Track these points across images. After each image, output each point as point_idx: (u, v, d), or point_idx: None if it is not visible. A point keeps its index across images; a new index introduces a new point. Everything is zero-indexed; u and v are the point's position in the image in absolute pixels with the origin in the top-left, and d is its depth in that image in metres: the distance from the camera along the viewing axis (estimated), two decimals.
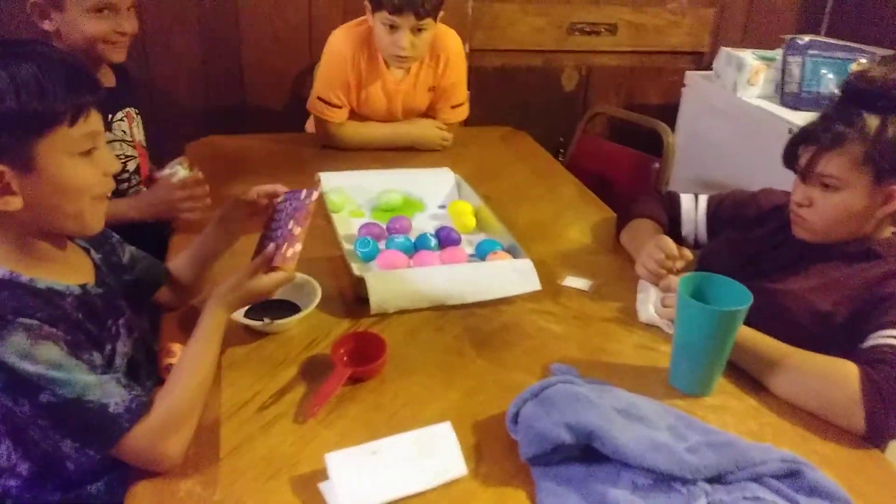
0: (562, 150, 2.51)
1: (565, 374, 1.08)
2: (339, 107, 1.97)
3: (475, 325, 1.22)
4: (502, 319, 1.25)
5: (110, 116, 1.52)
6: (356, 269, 1.27)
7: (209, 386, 0.94)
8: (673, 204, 1.51)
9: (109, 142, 1.50)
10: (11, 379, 0.79)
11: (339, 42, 1.95)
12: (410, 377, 1.08)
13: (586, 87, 2.82)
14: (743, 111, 2.28)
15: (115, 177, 1.49)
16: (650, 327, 1.24)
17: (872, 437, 1.01)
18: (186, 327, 1.04)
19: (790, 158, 1.26)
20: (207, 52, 2.36)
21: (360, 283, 1.22)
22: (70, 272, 0.93)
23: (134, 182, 1.62)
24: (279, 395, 1.03)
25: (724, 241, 1.45)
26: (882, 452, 1.01)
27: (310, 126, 2.15)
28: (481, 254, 1.39)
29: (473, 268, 1.30)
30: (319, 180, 1.12)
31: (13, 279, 0.85)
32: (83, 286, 0.93)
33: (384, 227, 1.49)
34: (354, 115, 2.05)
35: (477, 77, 2.66)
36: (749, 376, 1.12)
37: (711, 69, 2.59)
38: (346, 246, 1.40)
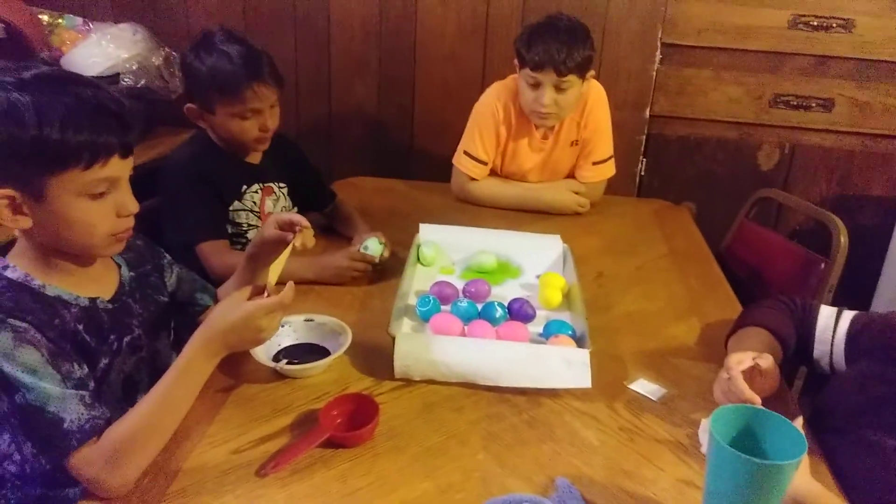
0: None
1: (564, 493, 0.92)
2: (484, 163, 1.94)
3: (499, 414, 1.10)
4: (534, 413, 1.10)
5: (244, 187, 1.60)
6: (397, 327, 1.22)
7: (171, 425, 0.94)
8: (807, 316, 1.23)
9: (236, 210, 1.59)
10: None
11: (492, 96, 1.94)
12: (397, 455, 0.99)
13: (788, 168, 2.47)
14: None
15: (234, 241, 1.58)
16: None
17: None
18: None
19: None
20: (383, 95, 2.48)
21: (393, 342, 1.17)
22: (87, 284, 0.99)
23: None
24: (259, 442, 1.00)
25: (856, 372, 1.15)
26: None
27: None
28: (546, 336, 1.26)
29: (517, 349, 1.17)
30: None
31: (24, 282, 0.93)
32: (93, 299, 0.99)
33: (460, 288, 1.41)
34: (500, 173, 2.01)
35: (656, 145, 2.47)
36: None
37: None
38: (408, 302, 1.35)
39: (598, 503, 0.92)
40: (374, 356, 1.20)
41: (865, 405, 1.06)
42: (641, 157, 2.48)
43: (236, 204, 1.60)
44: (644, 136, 2.44)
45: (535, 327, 1.30)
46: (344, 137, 2.56)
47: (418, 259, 1.54)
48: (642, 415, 1.11)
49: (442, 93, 2.44)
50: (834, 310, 1.22)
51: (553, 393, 1.14)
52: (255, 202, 1.62)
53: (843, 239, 1.58)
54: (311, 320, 1.24)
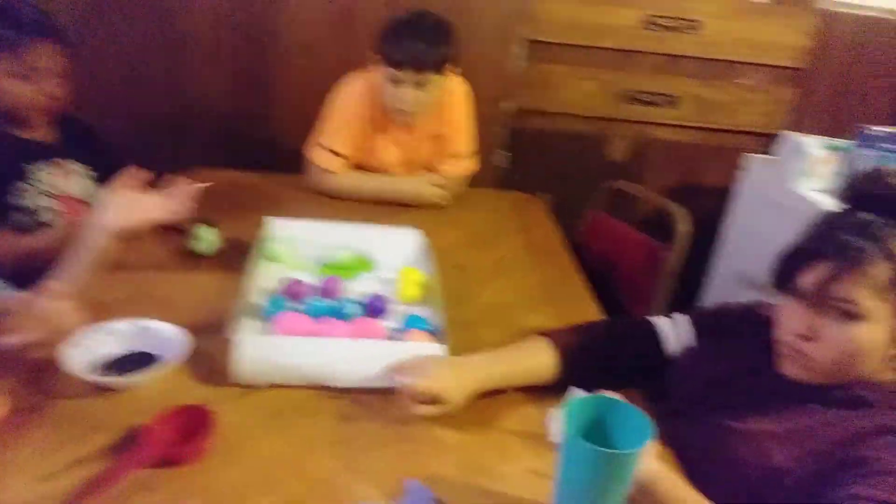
0: None
1: (415, 495, 0.88)
2: (343, 156, 1.87)
3: (356, 415, 1.04)
4: (388, 414, 1.05)
5: (25, 165, 1.46)
6: (238, 328, 1.12)
7: None
8: (639, 332, 1.22)
9: (21, 191, 1.45)
10: None
11: (352, 88, 1.87)
12: (234, 469, 0.91)
13: (640, 161, 2.58)
14: (799, 205, 1.97)
15: (23, 226, 1.44)
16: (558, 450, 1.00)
17: None
18: None
19: (783, 279, 1.00)
20: (238, 85, 2.35)
21: (234, 345, 1.08)
22: None
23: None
24: (72, 466, 0.88)
25: (693, 355, 1.17)
26: None
27: None
28: (404, 331, 1.21)
29: (370, 347, 1.11)
30: None
31: None
32: None
33: (313, 285, 1.34)
34: (361, 167, 1.94)
35: (517, 138, 2.50)
36: None
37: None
38: (253, 301, 1.26)
39: (450, 502, 0.88)
40: (214, 362, 1.10)
41: (703, 387, 1.10)
42: (503, 150, 2.50)
43: (20, 185, 1.45)
44: (505, 129, 2.47)
45: (393, 323, 1.25)
46: (196, 129, 2.40)
47: (267, 255, 1.44)
48: (497, 408, 1.09)
49: (302, 83, 2.34)
50: (664, 319, 1.24)
51: None
52: (41, 180, 1.49)
53: (684, 226, 1.65)
54: (141, 325, 1.12)
